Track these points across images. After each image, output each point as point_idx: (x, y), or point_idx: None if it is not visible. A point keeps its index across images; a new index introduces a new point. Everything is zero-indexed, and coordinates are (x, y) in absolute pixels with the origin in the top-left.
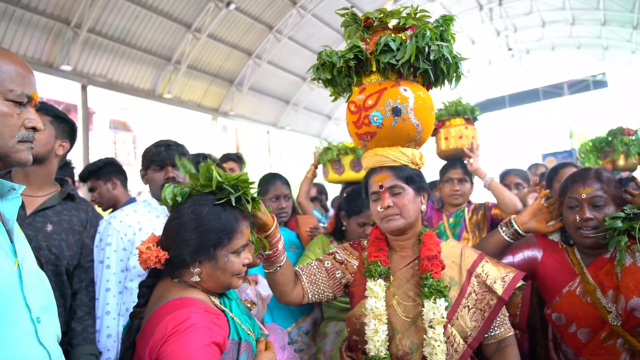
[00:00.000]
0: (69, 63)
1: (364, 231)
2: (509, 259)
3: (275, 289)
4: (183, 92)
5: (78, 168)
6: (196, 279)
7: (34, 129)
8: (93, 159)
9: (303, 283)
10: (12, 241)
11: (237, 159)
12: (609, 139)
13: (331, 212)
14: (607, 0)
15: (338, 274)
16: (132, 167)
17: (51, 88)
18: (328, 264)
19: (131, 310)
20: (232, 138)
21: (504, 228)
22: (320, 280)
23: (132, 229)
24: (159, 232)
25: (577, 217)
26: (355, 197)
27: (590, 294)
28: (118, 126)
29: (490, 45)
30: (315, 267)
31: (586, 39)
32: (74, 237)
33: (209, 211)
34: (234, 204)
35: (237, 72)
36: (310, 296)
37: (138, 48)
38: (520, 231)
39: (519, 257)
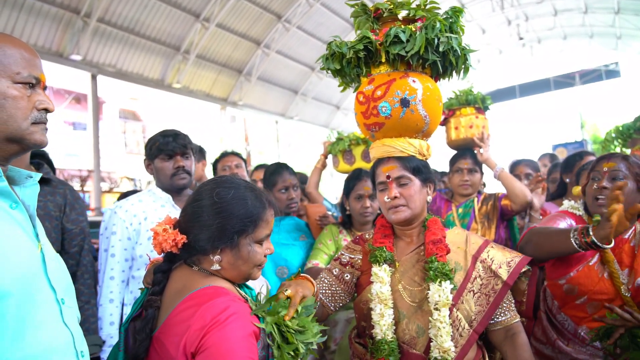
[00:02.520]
0: (79, 52)
1: (362, 205)
2: (558, 223)
3: None
4: (192, 81)
5: (89, 158)
6: (216, 267)
7: (46, 110)
8: (103, 148)
9: (323, 301)
10: (34, 226)
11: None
12: (638, 125)
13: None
14: None
15: (347, 276)
16: (142, 157)
17: (61, 77)
18: (336, 271)
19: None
20: (240, 128)
21: (576, 236)
22: (334, 291)
23: (137, 218)
24: None
25: (595, 186)
26: (351, 178)
27: (608, 264)
28: (128, 115)
29: (501, 35)
30: (326, 280)
31: (599, 27)
32: (52, 223)
33: (234, 195)
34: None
35: (245, 61)
36: (332, 308)
37: (147, 37)
38: (597, 242)
39: (563, 225)
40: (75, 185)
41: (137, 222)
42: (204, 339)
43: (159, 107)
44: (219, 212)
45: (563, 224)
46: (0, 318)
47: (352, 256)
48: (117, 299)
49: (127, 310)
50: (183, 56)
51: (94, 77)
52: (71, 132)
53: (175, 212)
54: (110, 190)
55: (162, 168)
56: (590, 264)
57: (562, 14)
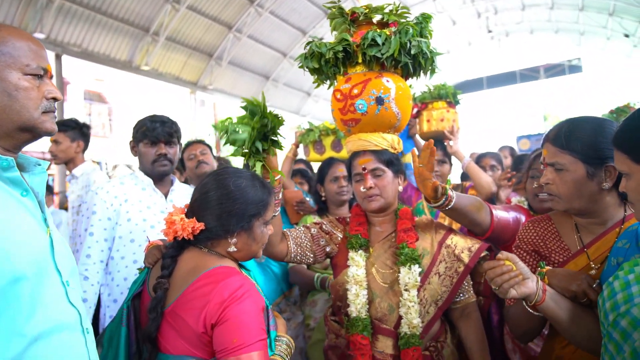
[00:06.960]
0: (42, 31)
1: (338, 185)
2: (504, 214)
3: None
4: (161, 64)
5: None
6: (232, 249)
7: (55, 99)
8: None
9: (289, 242)
10: (42, 212)
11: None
12: (614, 116)
13: None
14: None
15: (322, 241)
16: (108, 140)
17: None
18: (314, 231)
19: (117, 279)
20: (210, 112)
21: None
22: (304, 244)
23: (118, 199)
24: (144, 203)
25: (535, 184)
26: (325, 165)
27: None
28: (93, 97)
29: (470, 27)
30: (302, 232)
31: (564, 23)
32: None
33: (247, 184)
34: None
35: (216, 45)
36: (292, 255)
37: (115, 17)
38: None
39: (512, 215)
40: None
41: (118, 203)
42: (224, 312)
43: (126, 89)
44: (237, 198)
45: (512, 213)
46: (16, 299)
47: (333, 231)
48: (92, 277)
49: (107, 290)
50: (152, 38)
51: (58, 57)
52: None
53: (156, 196)
54: None
55: (145, 153)
56: None
57: (530, 9)
